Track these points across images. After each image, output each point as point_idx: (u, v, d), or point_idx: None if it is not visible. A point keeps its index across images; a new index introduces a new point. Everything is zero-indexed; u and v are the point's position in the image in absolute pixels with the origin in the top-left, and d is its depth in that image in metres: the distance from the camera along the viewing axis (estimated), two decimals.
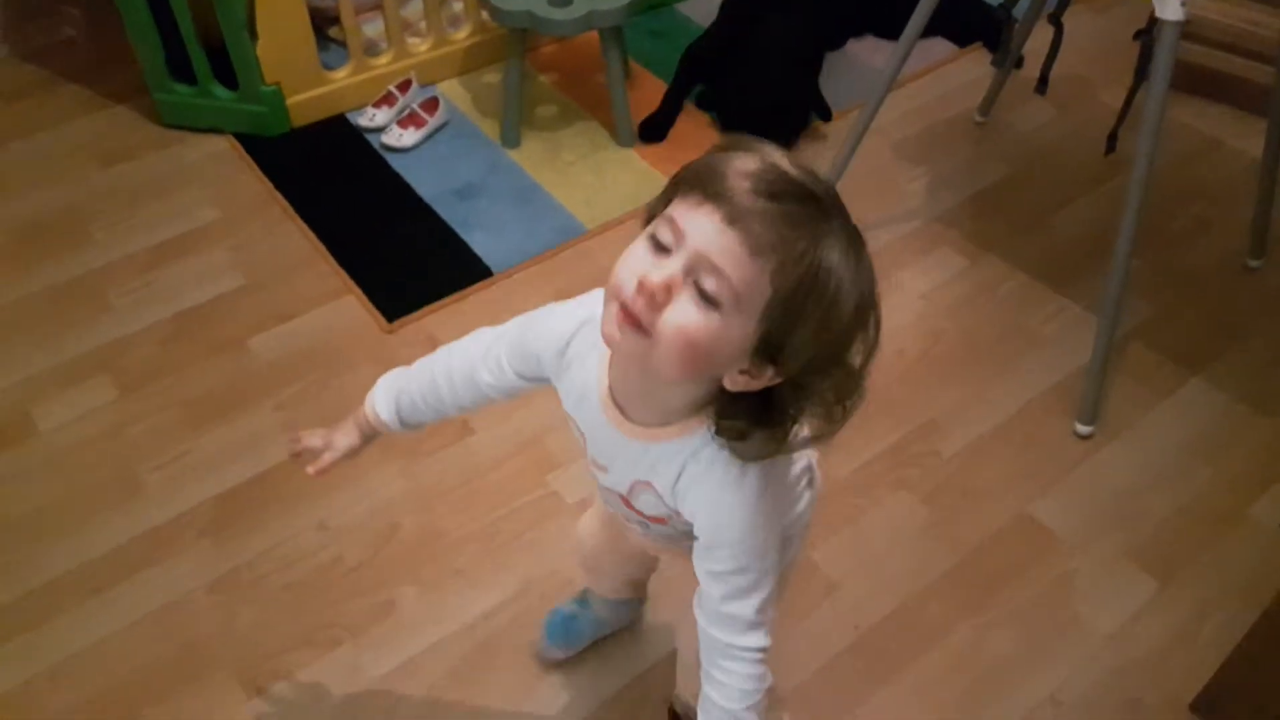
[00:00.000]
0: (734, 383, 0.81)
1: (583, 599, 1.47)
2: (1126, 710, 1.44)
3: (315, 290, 2.03)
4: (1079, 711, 1.43)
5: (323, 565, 1.60)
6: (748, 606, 0.92)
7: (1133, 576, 1.58)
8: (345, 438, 1.14)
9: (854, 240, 0.77)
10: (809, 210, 0.75)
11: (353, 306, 2.00)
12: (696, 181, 0.76)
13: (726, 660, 0.95)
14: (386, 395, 1.11)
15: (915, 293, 2.00)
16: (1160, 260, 2.07)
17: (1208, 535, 1.63)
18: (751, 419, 0.83)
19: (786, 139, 2.35)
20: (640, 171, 2.29)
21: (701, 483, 0.88)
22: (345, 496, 1.68)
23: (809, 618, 1.52)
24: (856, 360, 0.79)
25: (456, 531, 1.64)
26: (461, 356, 1.06)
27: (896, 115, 2.42)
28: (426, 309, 1.99)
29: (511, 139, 2.35)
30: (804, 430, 0.84)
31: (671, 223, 0.76)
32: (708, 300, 0.75)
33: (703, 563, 0.92)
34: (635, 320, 0.76)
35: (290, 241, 2.13)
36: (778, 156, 0.77)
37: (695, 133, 2.40)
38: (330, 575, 1.58)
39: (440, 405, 1.09)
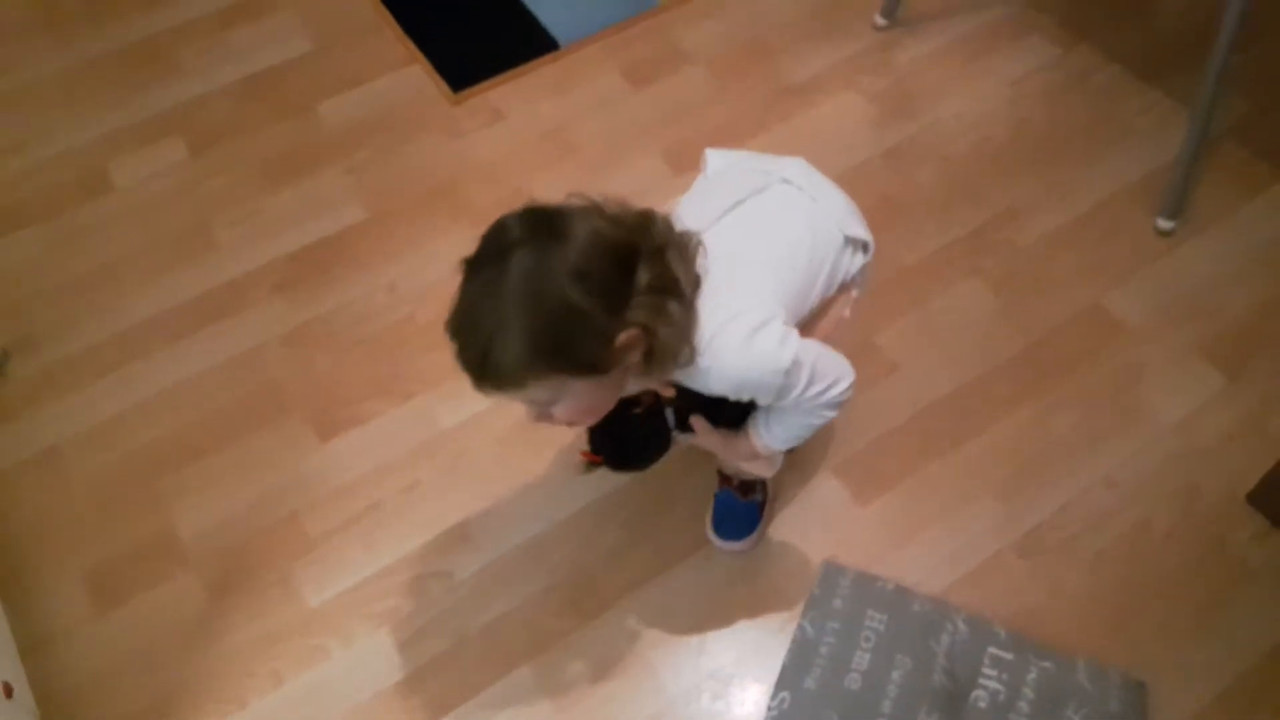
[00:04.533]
0: (627, 370, 1.03)
1: None
2: (1181, 496, 1.45)
3: (382, 58, 1.99)
4: (1132, 494, 1.45)
5: (395, 323, 1.63)
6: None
7: (1202, 370, 1.56)
8: None
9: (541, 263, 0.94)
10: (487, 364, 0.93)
11: (418, 76, 1.97)
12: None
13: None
14: None
15: (1005, 79, 1.91)
16: (1264, 56, 1.94)
17: None
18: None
19: None
20: None
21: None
22: (415, 261, 1.70)
23: (865, 394, 1.53)
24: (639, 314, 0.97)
25: None
26: None
27: None
28: (492, 81, 1.95)
29: None
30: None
31: None
32: (549, 414, 1.03)
33: None
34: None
35: (357, 7, 2.08)
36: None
37: None
38: (403, 333, 1.62)
39: None
